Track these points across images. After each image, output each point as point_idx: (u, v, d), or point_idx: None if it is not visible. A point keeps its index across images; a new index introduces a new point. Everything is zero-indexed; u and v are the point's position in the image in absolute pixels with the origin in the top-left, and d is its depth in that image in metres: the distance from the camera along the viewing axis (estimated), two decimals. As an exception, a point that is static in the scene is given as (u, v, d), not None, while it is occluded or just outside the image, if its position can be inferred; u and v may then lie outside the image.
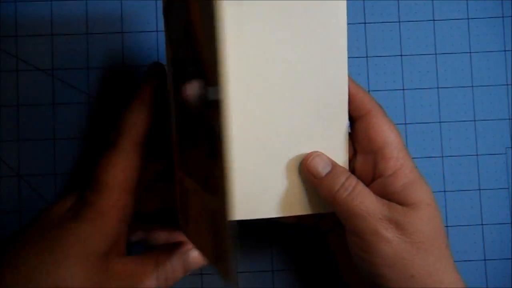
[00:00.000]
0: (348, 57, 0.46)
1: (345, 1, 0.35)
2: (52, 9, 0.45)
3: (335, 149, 0.37)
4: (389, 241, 0.34)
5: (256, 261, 0.45)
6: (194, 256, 0.37)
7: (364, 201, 0.35)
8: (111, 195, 0.34)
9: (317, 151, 0.37)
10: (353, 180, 0.36)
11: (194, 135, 0.32)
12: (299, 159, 0.37)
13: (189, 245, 0.37)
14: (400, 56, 0.46)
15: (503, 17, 0.46)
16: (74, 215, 0.33)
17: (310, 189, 0.37)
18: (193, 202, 0.34)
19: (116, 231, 0.34)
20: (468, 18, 0.46)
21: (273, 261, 0.45)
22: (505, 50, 0.46)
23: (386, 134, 0.36)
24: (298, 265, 0.45)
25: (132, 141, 0.35)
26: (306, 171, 0.36)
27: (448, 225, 0.45)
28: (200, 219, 0.33)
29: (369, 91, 0.46)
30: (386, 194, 0.36)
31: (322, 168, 0.36)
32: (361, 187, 0.35)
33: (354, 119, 0.38)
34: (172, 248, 0.37)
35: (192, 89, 0.31)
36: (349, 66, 0.46)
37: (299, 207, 0.37)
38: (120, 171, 0.34)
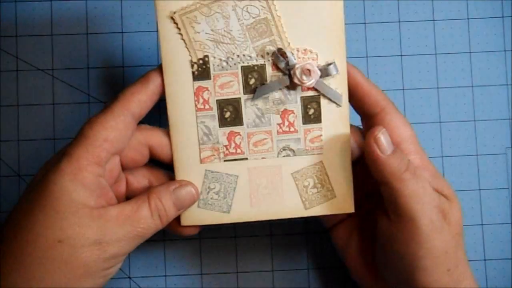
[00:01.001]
0: (348, 57, 0.46)
1: (342, 1, 0.35)
2: (52, 9, 0.45)
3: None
4: (440, 231, 0.34)
5: (256, 261, 0.45)
6: (184, 192, 0.36)
7: (425, 186, 0.34)
8: (90, 150, 0.33)
9: (381, 127, 0.35)
10: (412, 164, 0.35)
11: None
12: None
13: (178, 183, 0.37)
14: (400, 56, 0.46)
15: (503, 17, 0.46)
16: (55, 167, 0.33)
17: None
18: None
19: (97, 185, 0.34)
20: (468, 18, 0.46)
21: (273, 261, 0.45)
22: (505, 50, 0.46)
23: (402, 130, 0.36)
24: (298, 265, 0.45)
25: (126, 108, 0.35)
26: (371, 144, 0.34)
27: (448, 225, 0.45)
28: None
29: (369, 91, 0.46)
30: None
31: (389, 146, 0.34)
32: (420, 171, 0.35)
33: (369, 116, 0.37)
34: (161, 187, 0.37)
35: (312, 66, 0.34)
36: (349, 66, 0.46)
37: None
38: (104, 129, 0.34)
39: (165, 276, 0.45)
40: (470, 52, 0.46)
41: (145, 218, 0.34)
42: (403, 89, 0.46)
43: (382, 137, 0.34)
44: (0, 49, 0.45)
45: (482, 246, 0.45)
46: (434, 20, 0.46)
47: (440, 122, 0.46)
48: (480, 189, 0.46)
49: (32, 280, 0.32)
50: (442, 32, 0.46)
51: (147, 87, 0.35)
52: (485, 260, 0.45)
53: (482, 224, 0.45)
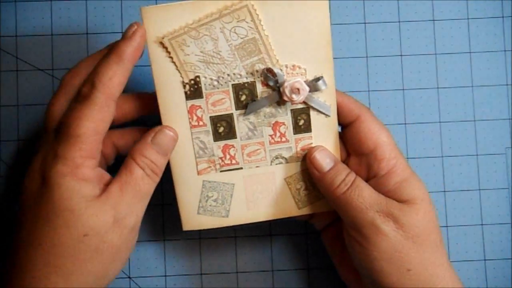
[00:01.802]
0: (348, 57, 0.46)
1: (327, 2, 0.36)
2: (52, 9, 0.45)
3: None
4: (386, 234, 0.35)
5: (256, 261, 0.45)
6: (162, 137, 0.36)
7: (362, 194, 0.36)
8: (83, 147, 0.34)
9: (321, 146, 0.38)
10: (353, 176, 0.37)
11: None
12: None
13: (152, 131, 0.36)
14: (400, 56, 0.46)
15: (503, 17, 0.46)
16: (53, 171, 0.34)
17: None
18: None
19: (96, 175, 0.35)
20: (468, 18, 0.46)
21: (273, 261, 0.45)
22: (505, 50, 0.46)
23: (377, 136, 0.37)
24: (298, 265, 0.45)
25: (107, 95, 0.35)
26: (309, 164, 0.38)
27: (448, 225, 0.45)
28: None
29: (369, 91, 0.46)
30: (381, 193, 0.36)
31: (325, 164, 0.37)
32: (359, 181, 0.36)
33: (345, 125, 0.39)
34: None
35: (300, 84, 0.36)
36: (349, 66, 0.46)
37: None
38: (93, 124, 0.34)
39: (165, 276, 0.45)
40: (470, 52, 0.46)
41: (141, 178, 0.35)
42: (403, 89, 0.46)
43: (318, 157, 0.37)
44: (0, 49, 0.45)
45: (482, 246, 0.45)
46: (434, 20, 0.46)
47: (440, 122, 0.46)
48: (480, 189, 0.46)
49: (71, 275, 0.33)
50: (442, 32, 0.46)
51: (123, 66, 0.35)
52: (485, 260, 0.45)
53: (482, 224, 0.45)
